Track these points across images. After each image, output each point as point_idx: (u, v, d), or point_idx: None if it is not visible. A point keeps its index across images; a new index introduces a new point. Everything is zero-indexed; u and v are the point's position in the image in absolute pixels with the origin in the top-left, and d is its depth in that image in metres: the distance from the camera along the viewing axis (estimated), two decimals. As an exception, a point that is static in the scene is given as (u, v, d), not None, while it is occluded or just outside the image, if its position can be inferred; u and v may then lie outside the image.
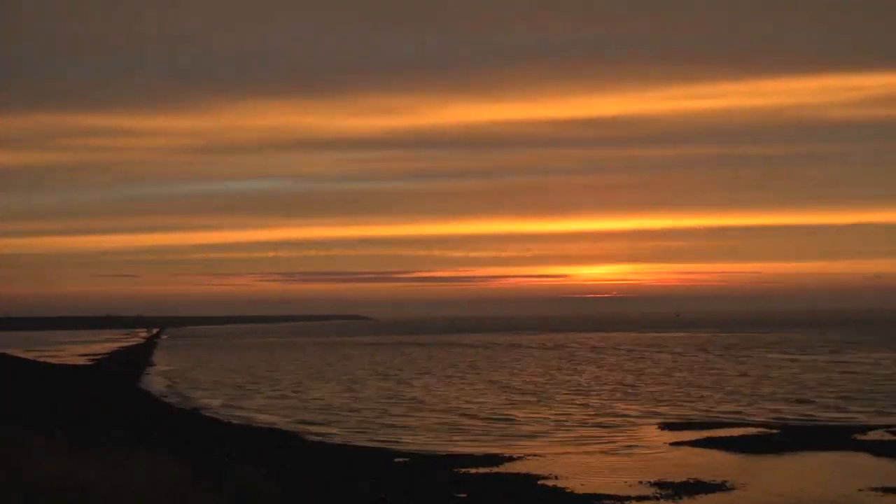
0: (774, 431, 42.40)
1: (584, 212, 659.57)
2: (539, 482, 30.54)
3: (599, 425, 46.85)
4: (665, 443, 39.97)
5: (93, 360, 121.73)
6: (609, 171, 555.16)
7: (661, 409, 53.40)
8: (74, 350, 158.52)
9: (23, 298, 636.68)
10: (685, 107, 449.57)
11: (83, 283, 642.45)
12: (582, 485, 30.17)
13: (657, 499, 27.94)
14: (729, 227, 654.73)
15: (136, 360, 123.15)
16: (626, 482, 30.58)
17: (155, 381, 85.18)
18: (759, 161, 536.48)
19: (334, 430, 46.61)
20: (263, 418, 53.06)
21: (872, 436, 40.45)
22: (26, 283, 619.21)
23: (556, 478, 31.36)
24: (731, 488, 29.23)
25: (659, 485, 29.91)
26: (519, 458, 35.90)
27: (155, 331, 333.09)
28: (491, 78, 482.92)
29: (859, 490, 28.85)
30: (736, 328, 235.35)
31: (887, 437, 40.14)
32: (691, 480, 30.48)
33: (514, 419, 50.17)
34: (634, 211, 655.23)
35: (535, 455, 36.80)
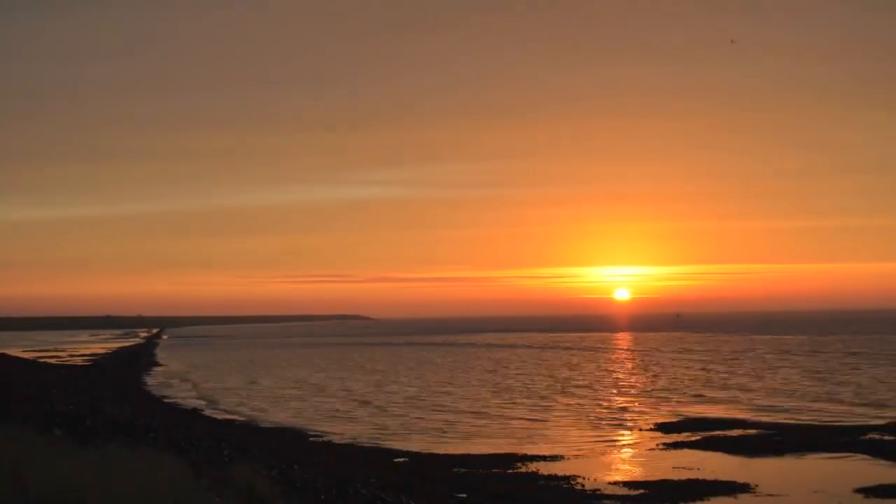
0: (774, 432, 42.41)
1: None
2: (539, 482, 30.58)
3: (599, 425, 46.91)
4: (665, 443, 39.98)
5: (93, 360, 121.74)
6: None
7: (661, 410, 53.46)
8: (74, 350, 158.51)
9: (23, 298, 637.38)
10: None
11: (83, 282, 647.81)
12: (582, 485, 30.19)
13: (657, 500, 27.97)
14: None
15: (136, 359, 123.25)
16: (625, 482, 30.62)
17: (154, 380, 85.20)
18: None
19: (335, 430, 46.65)
20: (264, 417, 53.14)
21: (872, 436, 40.46)
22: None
23: (556, 478, 31.38)
24: (731, 489, 29.24)
25: (659, 485, 29.94)
26: (519, 459, 35.92)
27: (155, 331, 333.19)
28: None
29: (857, 491, 28.86)
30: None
31: (887, 437, 40.13)
32: (691, 481, 30.52)
33: (512, 419, 50.20)
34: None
35: (534, 455, 36.81)
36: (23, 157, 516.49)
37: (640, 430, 44.95)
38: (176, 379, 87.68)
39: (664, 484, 30.15)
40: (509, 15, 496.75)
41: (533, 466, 34.17)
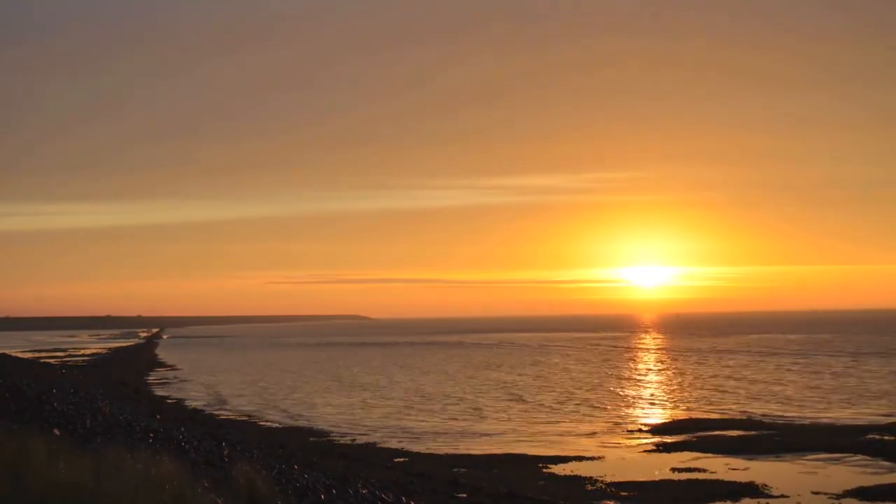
0: (773, 432, 42.40)
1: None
2: (539, 483, 30.57)
3: (600, 426, 46.88)
4: (665, 444, 39.95)
5: (93, 360, 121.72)
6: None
7: (662, 410, 53.48)
8: (74, 350, 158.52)
9: (23, 299, 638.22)
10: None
11: (83, 282, 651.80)
12: (583, 485, 30.17)
13: (657, 501, 27.96)
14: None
15: (136, 359, 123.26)
16: (626, 483, 30.58)
17: (155, 380, 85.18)
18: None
19: (336, 430, 46.64)
20: (264, 417, 53.12)
21: (872, 436, 40.44)
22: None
23: (557, 478, 31.36)
24: (731, 490, 29.21)
25: (659, 486, 29.93)
26: (518, 459, 35.91)
27: (155, 331, 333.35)
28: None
29: (856, 492, 28.85)
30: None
31: (887, 437, 40.12)
32: (691, 482, 30.52)
33: (510, 419, 50.20)
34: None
35: (535, 456, 36.81)
36: (23, 166, 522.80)
37: (641, 430, 44.93)
38: (176, 379, 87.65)
39: (664, 484, 30.14)
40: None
41: (533, 467, 34.15)
